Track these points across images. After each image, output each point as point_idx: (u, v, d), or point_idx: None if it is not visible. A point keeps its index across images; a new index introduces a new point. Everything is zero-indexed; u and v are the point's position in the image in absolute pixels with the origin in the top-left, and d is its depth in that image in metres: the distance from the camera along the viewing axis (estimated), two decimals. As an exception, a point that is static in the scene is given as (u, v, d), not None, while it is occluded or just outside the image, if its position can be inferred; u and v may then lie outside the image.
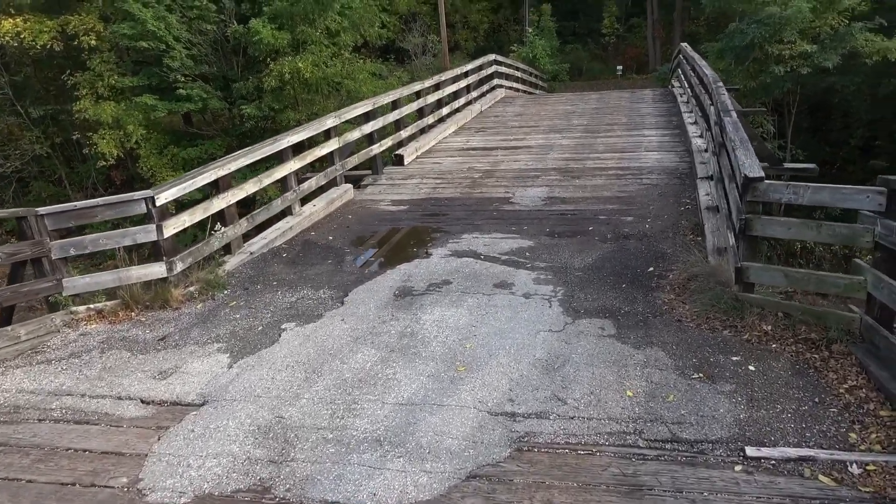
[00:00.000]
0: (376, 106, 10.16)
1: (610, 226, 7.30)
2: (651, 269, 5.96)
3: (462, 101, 15.13)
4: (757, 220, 4.59)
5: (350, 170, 9.80)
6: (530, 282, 5.86)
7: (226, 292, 6.13)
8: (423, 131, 12.48)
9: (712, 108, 8.64)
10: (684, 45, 16.33)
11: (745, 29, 19.44)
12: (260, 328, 5.26)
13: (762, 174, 4.50)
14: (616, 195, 8.44)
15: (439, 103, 13.52)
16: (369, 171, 10.46)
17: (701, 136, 10.21)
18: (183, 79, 23.62)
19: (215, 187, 6.72)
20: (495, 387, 4.04)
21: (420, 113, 12.48)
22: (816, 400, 3.65)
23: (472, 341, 4.70)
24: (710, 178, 7.92)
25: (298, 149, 8.27)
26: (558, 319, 5.00)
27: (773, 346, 4.34)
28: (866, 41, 18.86)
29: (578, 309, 5.19)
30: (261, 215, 7.44)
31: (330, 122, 8.75)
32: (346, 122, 9.65)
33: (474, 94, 16.11)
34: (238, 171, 7.42)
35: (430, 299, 5.58)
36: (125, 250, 6.12)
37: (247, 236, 7.48)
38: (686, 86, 14.20)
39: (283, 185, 7.98)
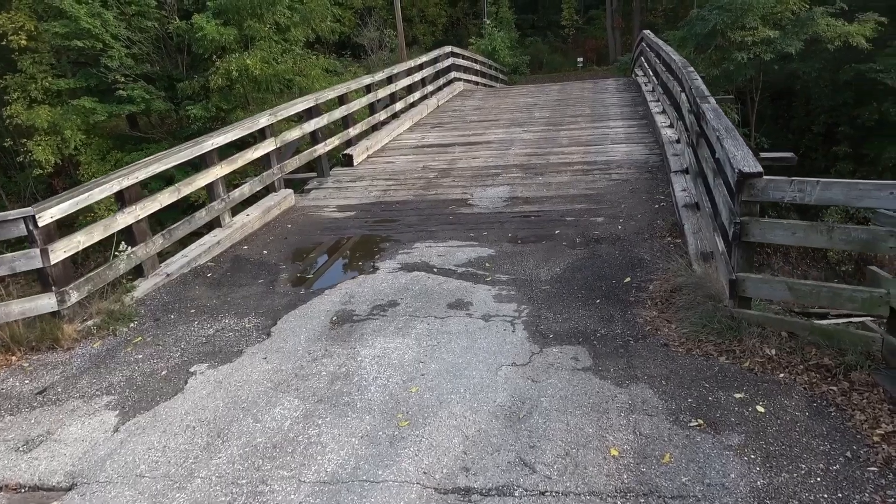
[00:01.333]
0: (319, 102, 9.22)
1: (578, 228, 6.52)
2: (628, 279, 5.20)
3: (417, 95, 14.26)
4: (755, 223, 3.84)
5: (291, 173, 8.84)
6: (490, 300, 5.03)
7: (132, 325, 5.15)
8: (374, 128, 11.57)
9: (683, 94, 7.95)
10: (647, 32, 15.73)
11: (706, 16, 18.98)
12: (164, 373, 4.32)
13: (760, 169, 3.75)
14: (583, 193, 7.68)
15: (392, 98, 12.62)
16: (314, 174, 9.52)
17: (671, 126, 9.53)
18: (123, 79, 22.24)
19: (120, 200, 5.72)
20: (446, 448, 3.19)
21: (371, 109, 11.57)
22: (848, 454, 2.89)
23: (418, 383, 3.84)
24: (685, 171, 7.22)
25: (239, 148, 7.32)
26: (523, 348, 4.18)
27: (781, 375, 3.59)
28: (828, 26, 18.56)
29: (547, 333, 4.38)
30: (181, 230, 6.45)
31: (264, 120, 7.78)
32: (285, 119, 8.69)
33: (430, 87, 15.24)
34: (154, 177, 6.44)
35: (373, 326, 4.71)
36: (6, 280, 5.10)
37: (167, 255, 6.50)
38: (650, 74, 13.57)
39: (209, 193, 6.99)
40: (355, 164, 10.03)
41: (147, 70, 23.65)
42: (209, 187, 6.90)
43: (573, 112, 13.11)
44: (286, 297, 5.51)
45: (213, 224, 7.04)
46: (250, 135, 7.74)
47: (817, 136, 21.50)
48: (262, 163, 8.14)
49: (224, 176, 6.98)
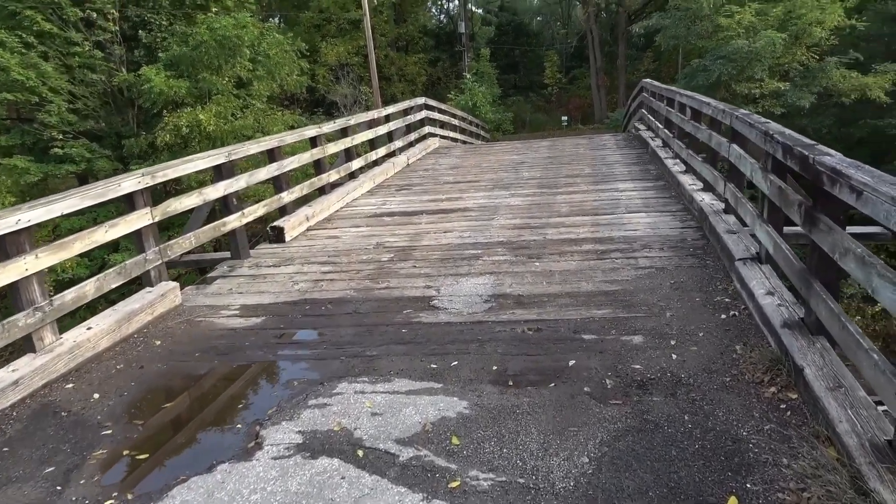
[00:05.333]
0: (235, 158, 6.75)
1: (606, 358, 3.99)
2: (727, 493, 2.63)
3: (382, 151, 11.94)
4: None
5: (185, 254, 6.30)
6: (458, 552, 2.43)
7: None
8: (321, 192, 9.12)
9: (734, 146, 5.62)
10: (648, 80, 13.72)
11: (709, 66, 17.18)
12: None
13: None
14: (603, 289, 5.18)
15: (348, 154, 10.25)
16: (228, 255, 6.98)
17: (706, 190, 7.19)
18: (62, 137, 19.95)
19: None
20: None
21: (318, 167, 9.16)
22: None
23: None
24: (757, 259, 4.78)
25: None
26: None
27: None
28: (843, 77, 16.80)
29: None
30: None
31: (130, 184, 5.25)
32: (175, 181, 6.20)
33: (399, 143, 12.96)
34: None
35: None
36: None
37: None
38: (657, 126, 11.41)
39: (13, 299, 4.38)
40: (287, 239, 7.51)
41: (92, 126, 21.42)
42: (14, 290, 4.30)
43: (570, 171, 10.80)
44: (73, 515, 2.86)
45: (28, 348, 4.41)
46: (106, 203, 5.21)
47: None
48: (137, 243, 5.57)
49: (39, 272, 4.38)
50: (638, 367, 3.85)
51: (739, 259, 4.85)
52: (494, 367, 4.02)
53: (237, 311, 5.45)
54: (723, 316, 4.44)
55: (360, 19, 30.01)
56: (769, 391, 3.38)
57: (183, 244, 5.96)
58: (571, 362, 3.99)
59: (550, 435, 3.22)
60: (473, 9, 50.01)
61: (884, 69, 16.60)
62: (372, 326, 4.87)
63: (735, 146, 5.72)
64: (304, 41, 26.08)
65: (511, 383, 3.80)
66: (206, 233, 6.35)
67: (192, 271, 10.61)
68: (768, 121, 4.97)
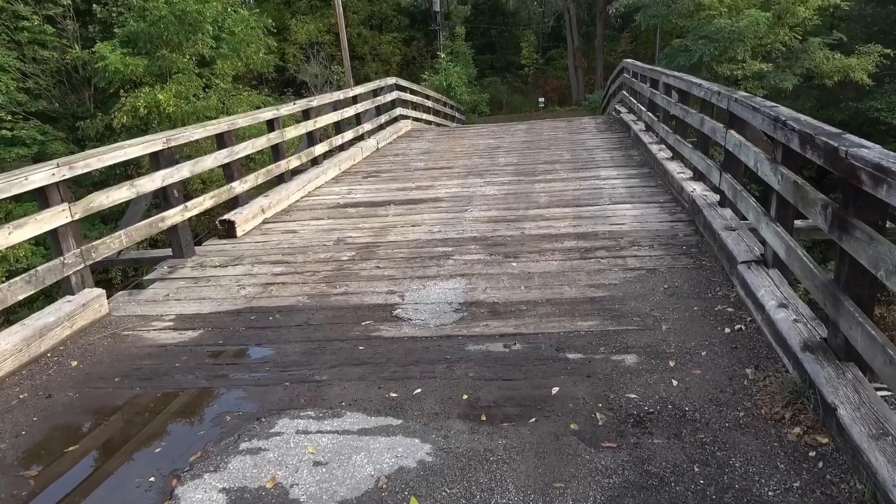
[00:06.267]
0: (174, 143, 5.98)
1: (596, 384, 3.40)
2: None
3: (350, 135, 11.18)
4: None
5: (117, 255, 5.56)
6: None
7: None
8: (280, 179, 8.37)
9: (732, 132, 5.05)
10: (629, 61, 13.12)
11: (690, 46, 16.64)
12: None
13: None
14: (588, 295, 4.58)
15: (311, 139, 9.49)
16: (169, 252, 6.23)
17: (696, 179, 6.63)
18: (11, 118, 18.82)
19: None
20: None
21: (276, 153, 8.40)
22: None
23: None
24: (762, 262, 4.21)
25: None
26: None
27: None
28: (826, 58, 16.38)
29: None
30: None
31: (40, 176, 4.48)
32: (107, 169, 5.42)
33: (368, 126, 12.19)
34: None
35: None
36: None
37: None
38: (640, 109, 10.83)
39: None
40: (239, 234, 6.78)
41: (44, 107, 20.24)
42: None
43: (548, 157, 10.18)
44: None
45: None
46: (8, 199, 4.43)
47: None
48: (53, 245, 4.81)
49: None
50: (633, 396, 3.26)
51: (743, 262, 4.28)
52: (465, 396, 3.41)
53: (171, 323, 4.74)
54: (727, 330, 3.87)
55: (330, -4, 28.85)
56: (793, 432, 2.82)
57: (111, 244, 5.20)
58: (555, 389, 3.39)
59: (532, 494, 2.61)
60: (449, -13, 48.84)
61: (867, 50, 16.20)
62: (324, 342, 4.22)
63: (733, 132, 5.14)
64: (273, 19, 25.00)
65: (484, 417, 3.19)
66: (141, 230, 5.59)
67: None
68: (775, 105, 4.38)
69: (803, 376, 3.04)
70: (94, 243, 5.04)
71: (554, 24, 45.27)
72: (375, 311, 4.64)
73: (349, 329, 4.38)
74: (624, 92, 13.48)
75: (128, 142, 5.66)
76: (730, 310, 4.12)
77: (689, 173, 6.93)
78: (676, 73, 8.11)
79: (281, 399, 3.54)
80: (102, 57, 17.40)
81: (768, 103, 4.48)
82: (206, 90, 19.06)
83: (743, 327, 3.85)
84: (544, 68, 41.92)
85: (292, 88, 31.75)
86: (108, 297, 5.13)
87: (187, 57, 18.59)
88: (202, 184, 13.77)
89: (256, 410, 3.45)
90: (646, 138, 9.46)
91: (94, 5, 19.56)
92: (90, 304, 4.76)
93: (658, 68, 9.81)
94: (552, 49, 42.83)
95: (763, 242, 4.28)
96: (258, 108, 18.09)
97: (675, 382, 3.35)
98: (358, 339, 4.21)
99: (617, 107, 14.13)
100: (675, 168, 7.33)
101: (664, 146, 8.49)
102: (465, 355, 3.88)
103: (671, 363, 3.54)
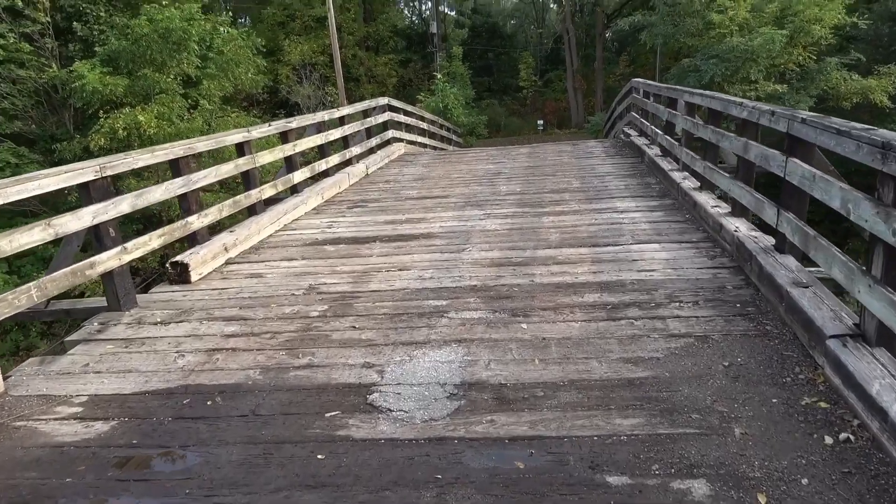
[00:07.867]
0: (108, 172, 4.91)
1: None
2: None
3: (336, 159, 10.16)
4: None
5: (46, 306, 4.46)
6: None
7: None
8: (251, 211, 7.31)
9: (793, 163, 4.01)
10: (638, 80, 12.18)
11: (700, 66, 15.77)
12: None
13: None
14: (626, 375, 3.49)
15: (290, 164, 8.45)
16: (104, 304, 5.13)
17: (734, 215, 5.58)
18: (-19, 140, 17.80)
19: None
20: None
21: (247, 180, 7.34)
22: None
23: None
24: (861, 336, 3.13)
25: None
26: None
27: None
28: (843, 79, 15.49)
29: None
30: None
31: None
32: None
33: (357, 149, 11.18)
34: None
35: None
36: None
37: None
38: (654, 131, 9.85)
39: None
40: (194, 278, 5.69)
41: (20, 128, 19.28)
42: None
43: (555, 185, 9.14)
44: None
45: None
46: None
47: (824, 209, 18.35)
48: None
49: None
50: (715, 561, 2.16)
51: (834, 336, 3.20)
52: (462, 554, 2.30)
53: (80, 409, 3.62)
54: (827, 440, 2.77)
55: (325, 16, 28.13)
56: None
57: (15, 301, 4.10)
58: (595, 545, 2.28)
59: None
60: (447, 11, 48.54)
61: (887, 71, 15.33)
62: (272, 445, 3.11)
63: (797, 161, 4.10)
64: (267, 39, 24.01)
65: None
66: (60, 281, 4.49)
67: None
68: (871, 127, 3.34)
69: None
70: (-11, 302, 3.94)
71: (552, 47, 44.87)
72: (345, 394, 3.54)
73: (308, 424, 3.27)
74: (633, 113, 12.53)
75: (46, 171, 4.58)
76: (822, 405, 3.03)
77: (727, 207, 5.89)
78: (702, 91, 7.12)
79: (195, 552, 2.43)
80: (80, 76, 16.50)
81: (858, 125, 3.45)
82: (192, 111, 18.18)
83: (851, 437, 2.76)
84: (543, 90, 41.30)
85: (284, 110, 30.91)
86: (14, 367, 4.04)
87: (171, 76, 17.68)
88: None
89: (154, 575, 2.33)
90: (664, 164, 8.44)
91: (75, 23, 18.77)
92: (-25, 383, 3.65)
93: (678, 87, 8.84)
94: (550, 71, 42.32)
95: (860, 309, 3.21)
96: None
97: (774, 537, 2.25)
98: (318, 442, 3.10)
99: (626, 129, 13.16)
100: (707, 200, 6.29)
101: (688, 174, 7.46)
102: (462, 473, 2.77)
103: (761, 500, 2.44)
